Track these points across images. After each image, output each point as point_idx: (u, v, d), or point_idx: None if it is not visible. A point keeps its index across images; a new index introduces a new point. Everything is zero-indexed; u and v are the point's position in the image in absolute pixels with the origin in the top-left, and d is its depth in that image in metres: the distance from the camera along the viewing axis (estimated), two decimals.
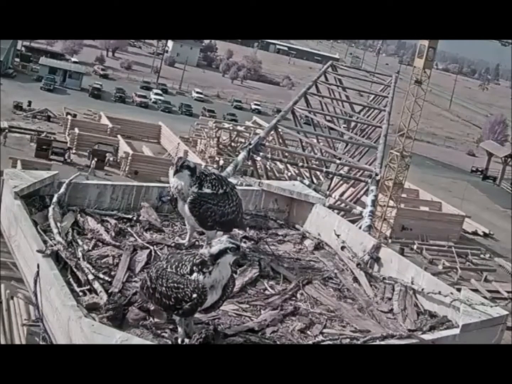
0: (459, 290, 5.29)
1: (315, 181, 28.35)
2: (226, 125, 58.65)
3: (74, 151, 47.66)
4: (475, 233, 49.90)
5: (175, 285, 4.11)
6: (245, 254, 4.26)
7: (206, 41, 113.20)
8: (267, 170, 27.27)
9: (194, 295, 4.08)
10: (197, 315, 4.39)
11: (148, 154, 50.33)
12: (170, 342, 4.25)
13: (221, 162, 47.61)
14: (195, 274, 4.11)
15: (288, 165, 29.71)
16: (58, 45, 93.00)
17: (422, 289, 5.30)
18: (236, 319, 4.69)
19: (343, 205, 23.28)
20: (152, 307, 4.41)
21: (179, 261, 4.23)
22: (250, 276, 5.29)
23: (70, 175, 5.91)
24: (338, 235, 6.13)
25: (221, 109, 78.85)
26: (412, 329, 4.89)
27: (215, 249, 4.13)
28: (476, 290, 30.32)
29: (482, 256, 44.74)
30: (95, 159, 44.77)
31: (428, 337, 4.65)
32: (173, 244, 5.54)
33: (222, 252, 4.11)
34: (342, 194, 27.09)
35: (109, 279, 4.79)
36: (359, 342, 4.53)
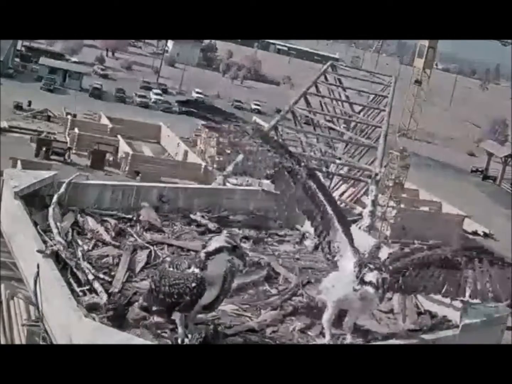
0: None
1: None
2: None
3: (74, 151, 47.66)
4: (475, 233, 49.89)
5: (176, 281, 4.14)
6: (243, 254, 4.27)
7: (206, 41, 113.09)
8: None
9: (193, 284, 4.10)
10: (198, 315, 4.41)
11: (148, 154, 50.34)
12: (170, 342, 4.25)
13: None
14: (192, 268, 4.15)
15: None
16: (58, 45, 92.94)
17: None
18: (236, 319, 4.69)
19: (343, 205, 23.30)
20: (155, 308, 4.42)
21: (179, 260, 4.32)
22: (255, 279, 5.29)
23: (70, 175, 5.92)
24: None
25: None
26: (412, 329, 4.89)
27: (211, 246, 4.18)
28: None
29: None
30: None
31: (428, 337, 4.65)
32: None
33: (217, 250, 4.14)
34: (342, 194, 27.11)
35: (109, 279, 4.79)
36: (359, 342, 4.53)
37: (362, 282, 4.20)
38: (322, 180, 4.62)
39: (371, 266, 4.22)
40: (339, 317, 4.71)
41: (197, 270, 4.14)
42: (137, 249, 5.35)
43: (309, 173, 4.41)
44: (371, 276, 4.18)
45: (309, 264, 5.81)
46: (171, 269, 4.25)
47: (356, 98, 40.94)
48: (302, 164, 4.45)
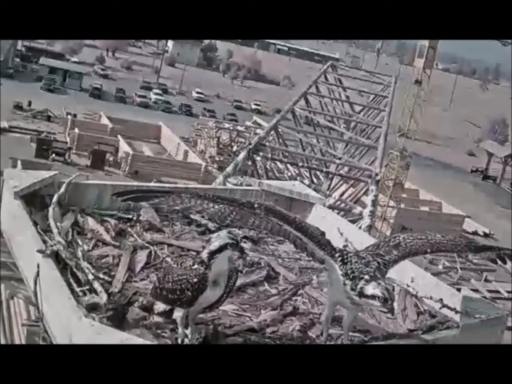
0: (459, 290, 5.29)
1: (315, 181, 28.35)
2: (226, 125, 58.71)
3: (74, 151, 47.67)
4: (475, 233, 49.91)
5: (179, 277, 4.15)
6: (243, 249, 4.30)
7: (206, 41, 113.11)
8: (267, 170, 27.28)
9: (195, 280, 4.10)
10: (200, 314, 4.42)
11: (148, 154, 50.38)
12: (170, 342, 4.25)
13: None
14: (196, 265, 4.16)
15: (288, 165, 29.71)
16: (58, 45, 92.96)
17: (417, 292, 5.30)
18: (236, 319, 4.69)
19: (343, 205, 23.32)
20: (157, 307, 4.43)
21: (184, 258, 4.33)
22: (255, 279, 5.29)
23: (70, 175, 5.92)
24: (341, 233, 6.12)
25: (221, 109, 78.92)
26: (412, 329, 4.90)
27: (214, 245, 4.15)
28: (476, 290, 30.31)
29: (482, 256, 44.71)
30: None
31: (428, 337, 4.65)
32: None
33: (222, 248, 4.13)
34: (342, 194, 27.11)
35: (109, 279, 4.79)
36: (359, 342, 4.53)
37: (362, 295, 4.05)
38: (283, 210, 4.37)
39: (366, 277, 4.05)
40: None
41: (202, 268, 4.14)
42: (137, 249, 5.35)
43: (266, 211, 4.21)
44: (372, 289, 4.01)
45: (309, 264, 5.80)
46: (175, 265, 4.27)
47: (356, 98, 40.94)
48: (256, 205, 4.23)
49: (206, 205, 4.21)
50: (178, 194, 4.24)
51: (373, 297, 4.01)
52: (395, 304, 5.22)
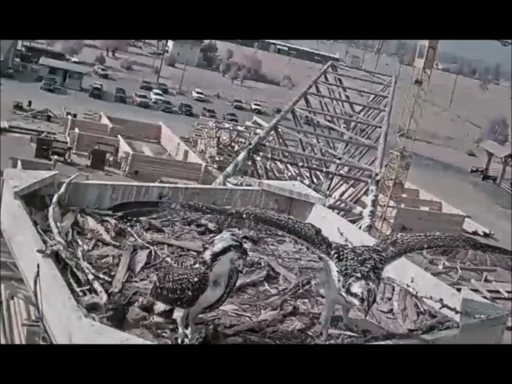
0: (459, 290, 5.29)
1: (315, 181, 28.36)
2: (226, 125, 58.74)
3: (74, 151, 47.68)
4: (475, 233, 49.91)
5: (180, 277, 4.15)
6: (246, 251, 4.31)
7: (206, 41, 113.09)
8: (267, 170, 27.29)
9: (196, 279, 4.10)
10: (200, 314, 4.41)
11: (148, 154, 50.40)
12: (170, 342, 4.25)
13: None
14: (197, 265, 4.15)
15: (288, 165, 29.72)
16: (58, 45, 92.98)
17: (417, 292, 5.30)
18: (236, 319, 4.69)
19: (343, 205, 23.34)
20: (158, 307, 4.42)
21: (185, 257, 4.33)
22: (255, 279, 5.29)
23: (70, 175, 5.92)
24: (341, 233, 6.12)
25: (221, 109, 78.93)
26: (412, 329, 4.90)
27: (218, 247, 4.14)
28: (476, 290, 30.30)
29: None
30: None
31: (428, 337, 4.65)
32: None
33: (225, 250, 4.12)
34: (342, 194, 27.13)
35: (109, 279, 4.79)
36: (359, 342, 4.53)
37: (348, 292, 4.10)
38: (273, 216, 4.43)
39: (358, 275, 4.07)
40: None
41: (203, 267, 4.13)
42: (137, 249, 5.35)
43: (255, 219, 4.28)
44: (356, 287, 4.04)
45: (309, 264, 5.81)
46: (175, 265, 4.26)
47: (356, 98, 40.96)
48: (244, 215, 4.28)
49: (200, 216, 4.27)
50: (171, 207, 4.28)
51: (355, 295, 4.06)
52: (395, 304, 5.24)
